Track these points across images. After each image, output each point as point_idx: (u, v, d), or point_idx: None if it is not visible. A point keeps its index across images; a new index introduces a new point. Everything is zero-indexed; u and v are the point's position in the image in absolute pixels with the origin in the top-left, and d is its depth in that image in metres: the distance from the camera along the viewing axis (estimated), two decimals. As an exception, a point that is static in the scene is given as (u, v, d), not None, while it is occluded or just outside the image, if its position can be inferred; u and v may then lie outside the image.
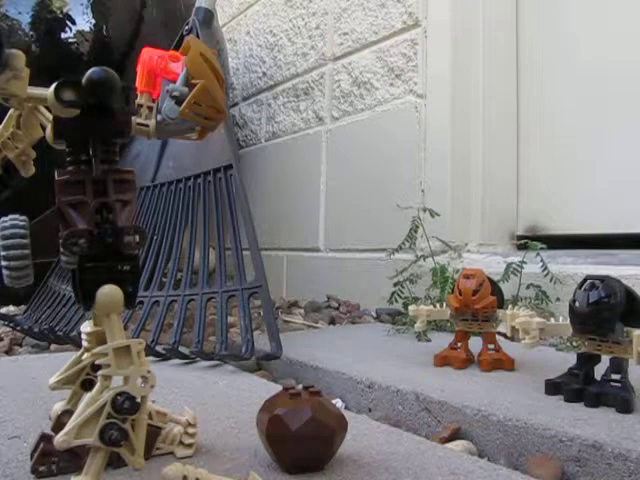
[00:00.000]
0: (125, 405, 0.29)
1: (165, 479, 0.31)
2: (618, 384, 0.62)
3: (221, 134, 1.10)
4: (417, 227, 1.23)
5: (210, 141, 1.12)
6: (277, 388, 0.77)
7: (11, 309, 1.43)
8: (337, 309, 1.48)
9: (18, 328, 1.16)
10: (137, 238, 0.31)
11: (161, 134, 0.33)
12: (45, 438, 0.36)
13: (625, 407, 0.60)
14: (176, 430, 0.46)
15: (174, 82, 0.32)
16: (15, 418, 0.59)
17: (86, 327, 0.33)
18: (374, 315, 1.38)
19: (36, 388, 0.71)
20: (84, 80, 0.29)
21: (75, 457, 0.35)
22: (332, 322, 1.36)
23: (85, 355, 0.32)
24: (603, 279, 0.63)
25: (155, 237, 1.16)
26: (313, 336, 1.18)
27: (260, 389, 0.75)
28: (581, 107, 1.28)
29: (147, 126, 0.32)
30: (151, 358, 0.93)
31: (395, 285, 1.21)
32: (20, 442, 0.52)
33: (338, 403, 0.77)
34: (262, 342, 0.91)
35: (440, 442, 0.60)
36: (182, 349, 0.93)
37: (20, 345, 1.09)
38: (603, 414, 0.60)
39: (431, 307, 0.90)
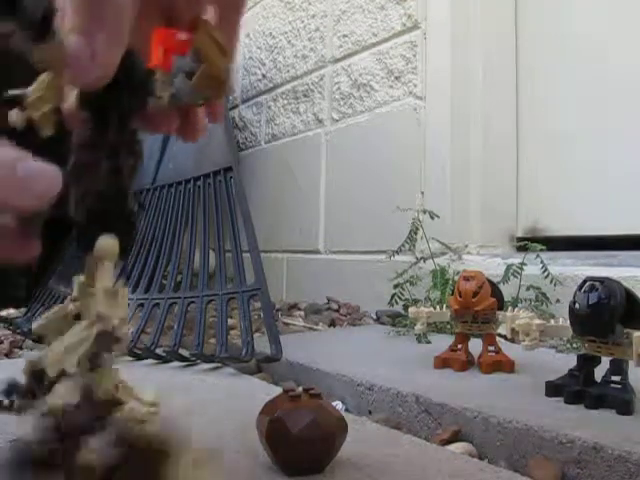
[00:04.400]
0: (107, 342, 0.31)
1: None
2: (618, 386, 0.62)
3: (221, 137, 1.10)
4: (417, 229, 1.23)
5: (210, 144, 1.13)
6: (277, 390, 0.77)
7: (11, 312, 1.43)
8: (337, 311, 1.48)
9: (18, 331, 1.16)
10: (137, 205, 0.35)
11: (173, 104, 0.35)
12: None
13: (625, 409, 0.60)
14: (136, 407, 0.45)
15: (185, 58, 0.35)
16: (15, 420, 0.59)
17: (78, 279, 0.34)
18: (374, 317, 1.38)
19: (36, 391, 0.71)
20: None
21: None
22: (332, 324, 1.36)
23: (72, 305, 0.33)
24: (603, 281, 0.63)
25: (155, 240, 1.16)
26: (313, 338, 1.18)
27: (260, 391, 0.75)
28: (581, 107, 1.28)
29: (161, 97, 0.35)
30: (151, 361, 0.93)
31: (395, 287, 1.21)
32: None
33: (338, 405, 0.77)
34: (262, 344, 0.91)
35: (440, 444, 0.60)
36: (182, 352, 0.93)
37: (20, 348, 1.09)
38: (603, 416, 0.60)
39: (431, 309, 0.90)
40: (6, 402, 0.34)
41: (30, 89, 0.34)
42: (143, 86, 0.34)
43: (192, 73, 0.34)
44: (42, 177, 0.26)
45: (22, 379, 0.32)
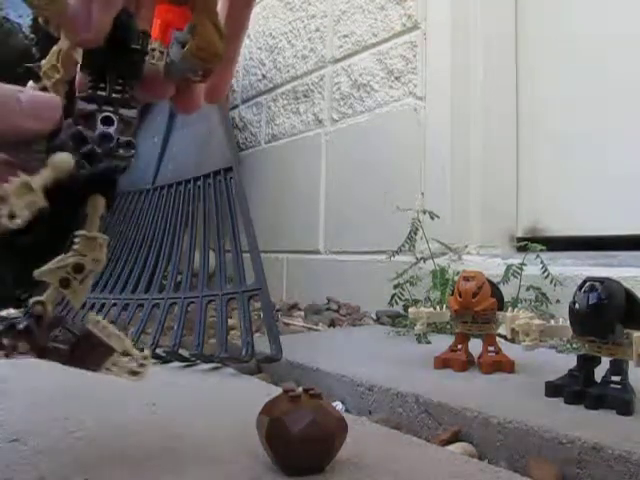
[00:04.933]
0: (79, 268, 0.38)
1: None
2: (618, 386, 0.62)
3: (221, 137, 1.10)
4: (417, 229, 1.23)
5: (210, 144, 1.13)
6: (277, 390, 0.77)
7: (11, 312, 1.43)
8: (337, 311, 1.48)
9: (18, 331, 1.16)
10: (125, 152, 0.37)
11: (168, 74, 0.38)
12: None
13: (625, 409, 0.60)
14: (127, 359, 0.46)
15: (182, 31, 0.38)
16: (15, 421, 0.59)
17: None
18: (374, 317, 1.38)
19: (36, 391, 0.71)
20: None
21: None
22: (332, 324, 1.36)
23: (70, 252, 0.38)
24: (603, 281, 0.63)
25: (155, 240, 1.16)
26: (313, 338, 1.18)
27: (260, 391, 0.75)
28: (581, 108, 1.28)
29: (156, 65, 0.38)
30: (152, 361, 0.93)
31: (395, 287, 1.21)
32: (20, 445, 0.52)
33: (338, 406, 0.77)
34: (262, 344, 0.91)
35: (440, 444, 0.60)
36: (182, 352, 0.93)
37: (20, 348, 1.09)
38: (603, 416, 0.60)
39: (431, 309, 0.90)
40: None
41: (43, 61, 0.38)
42: (138, 46, 0.36)
43: (185, 44, 0.37)
44: (43, 102, 0.31)
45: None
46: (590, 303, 0.62)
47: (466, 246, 1.34)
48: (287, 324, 1.35)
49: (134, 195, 1.29)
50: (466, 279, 0.83)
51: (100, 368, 0.40)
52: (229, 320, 1.02)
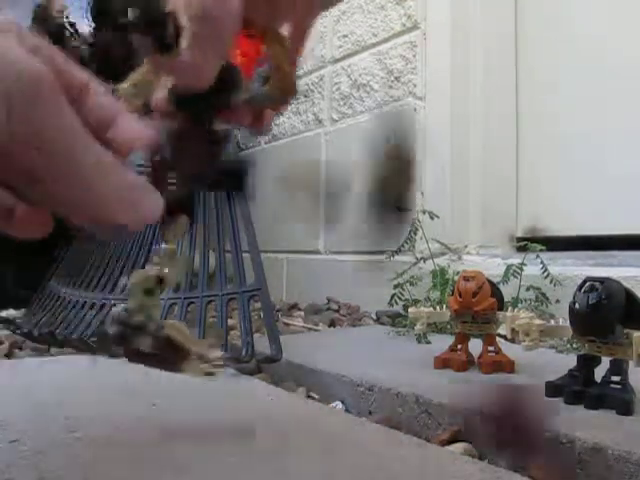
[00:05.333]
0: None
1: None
2: (618, 386, 0.62)
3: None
4: (416, 229, 1.23)
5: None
6: (277, 391, 0.77)
7: (11, 312, 1.43)
8: (337, 311, 1.48)
9: (18, 331, 1.16)
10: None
11: (249, 104, 0.41)
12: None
13: (625, 409, 0.60)
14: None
15: (261, 64, 0.41)
16: (15, 421, 0.59)
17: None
18: (374, 317, 1.38)
19: (36, 391, 0.71)
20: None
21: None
22: (332, 324, 1.36)
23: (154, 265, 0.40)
24: (603, 281, 0.63)
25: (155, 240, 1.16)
26: (313, 338, 1.18)
27: (260, 392, 0.75)
28: (581, 107, 1.28)
29: (241, 98, 0.41)
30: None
31: (395, 287, 1.21)
32: (20, 445, 0.52)
33: (338, 406, 0.77)
34: (262, 345, 0.91)
35: (440, 444, 0.60)
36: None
37: (20, 348, 1.09)
38: (603, 416, 0.59)
39: (431, 309, 0.90)
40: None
41: (124, 84, 0.40)
42: (235, 89, 0.39)
43: (267, 79, 0.41)
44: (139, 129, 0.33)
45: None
46: (590, 303, 0.62)
47: (466, 246, 1.34)
48: (287, 324, 1.35)
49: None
50: (466, 279, 0.83)
51: (179, 369, 0.42)
52: (229, 320, 1.02)
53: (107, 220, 0.30)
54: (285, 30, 0.43)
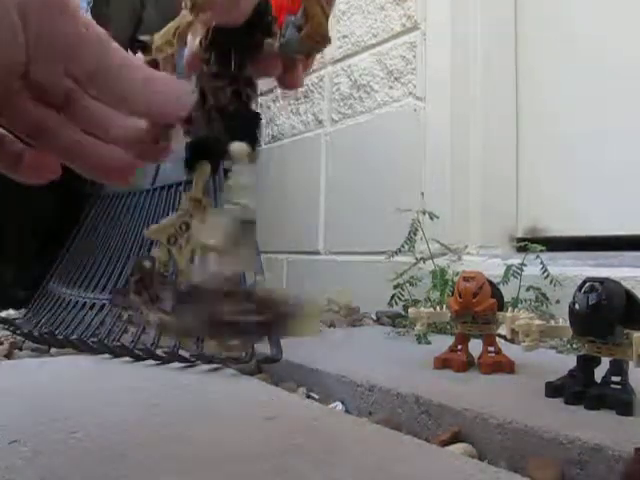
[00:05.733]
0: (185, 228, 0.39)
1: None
2: (618, 386, 0.62)
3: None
4: (416, 230, 1.23)
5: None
6: (277, 391, 0.77)
7: (11, 313, 1.43)
8: (337, 312, 1.48)
9: (18, 332, 1.16)
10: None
11: (281, 52, 0.41)
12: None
13: (625, 409, 0.60)
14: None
15: (295, 15, 0.40)
16: (15, 422, 0.59)
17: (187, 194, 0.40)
18: (374, 318, 1.38)
19: (36, 392, 0.71)
20: None
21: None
22: (332, 325, 1.36)
23: (178, 212, 0.40)
24: (603, 281, 0.63)
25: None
26: (313, 339, 1.18)
27: (260, 392, 0.75)
28: (581, 107, 1.28)
29: (272, 45, 0.40)
30: (152, 361, 0.93)
31: (395, 288, 1.21)
32: (20, 446, 0.52)
33: (338, 406, 0.77)
34: (262, 345, 0.91)
35: (440, 445, 0.60)
36: (182, 352, 0.92)
37: (20, 349, 1.09)
38: (603, 416, 0.59)
39: (431, 310, 0.90)
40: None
41: (157, 35, 0.41)
42: (268, 28, 0.39)
43: (300, 27, 0.40)
44: (178, 88, 0.34)
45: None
46: (590, 303, 0.62)
47: (466, 246, 1.34)
48: (287, 324, 1.34)
49: (134, 195, 1.29)
50: (466, 279, 0.83)
51: (285, 331, 0.39)
52: (229, 321, 1.02)
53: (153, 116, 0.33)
54: None
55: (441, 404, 0.65)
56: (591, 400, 0.62)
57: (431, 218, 1.21)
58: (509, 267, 1.09)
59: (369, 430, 0.60)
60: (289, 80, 0.43)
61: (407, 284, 1.21)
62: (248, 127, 0.40)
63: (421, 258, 1.26)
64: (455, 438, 0.62)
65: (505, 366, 0.81)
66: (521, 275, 1.08)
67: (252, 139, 0.40)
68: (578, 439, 0.53)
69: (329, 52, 1.74)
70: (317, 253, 1.74)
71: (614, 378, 0.63)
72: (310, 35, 0.40)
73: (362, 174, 1.58)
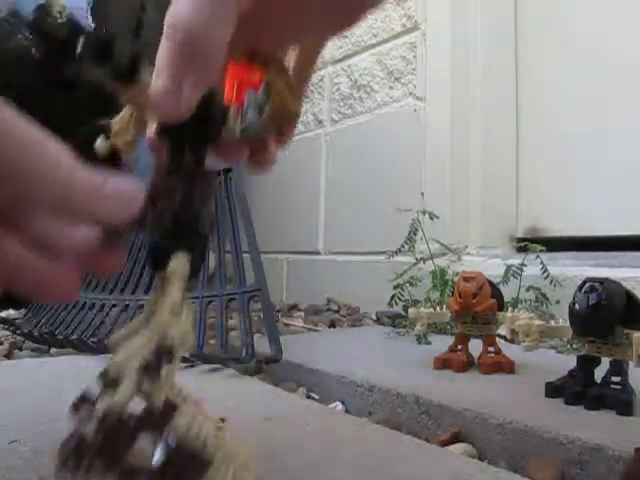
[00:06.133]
0: (164, 355, 0.33)
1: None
2: (618, 386, 0.62)
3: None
4: (416, 230, 1.23)
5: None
6: (277, 391, 0.77)
7: (11, 313, 1.43)
8: (337, 312, 1.48)
9: (18, 332, 1.16)
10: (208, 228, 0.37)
11: (244, 137, 0.37)
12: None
13: (625, 409, 0.60)
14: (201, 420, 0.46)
15: (256, 92, 0.37)
16: (15, 422, 0.59)
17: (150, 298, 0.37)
18: (374, 318, 1.38)
19: (36, 392, 0.71)
20: None
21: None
22: (332, 325, 1.36)
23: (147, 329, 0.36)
24: (603, 281, 0.63)
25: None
26: (313, 339, 1.18)
27: (260, 392, 0.75)
28: (581, 107, 1.28)
29: (233, 130, 0.37)
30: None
31: (395, 288, 1.21)
32: (20, 446, 0.52)
33: (338, 406, 0.77)
34: (262, 345, 0.91)
35: (440, 445, 0.60)
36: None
37: (20, 349, 1.09)
38: (603, 416, 0.60)
39: (431, 310, 0.90)
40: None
41: (114, 120, 0.38)
42: (219, 120, 0.36)
43: (262, 108, 0.36)
44: (128, 191, 0.30)
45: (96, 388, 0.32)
46: (590, 304, 0.62)
47: (466, 246, 1.34)
48: (287, 325, 1.35)
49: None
50: (466, 280, 0.83)
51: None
52: (229, 321, 1.02)
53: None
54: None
55: (441, 404, 0.65)
56: (591, 400, 0.62)
57: (431, 218, 1.21)
58: (509, 267, 1.09)
59: (369, 430, 0.60)
60: (258, 162, 0.39)
61: (407, 284, 1.21)
62: (193, 240, 0.35)
63: (421, 258, 1.26)
64: (455, 438, 0.62)
65: (505, 366, 0.81)
66: (521, 275, 1.08)
67: (196, 255, 0.35)
68: (578, 439, 0.53)
69: (329, 52, 1.74)
70: (317, 253, 1.74)
71: (614, 378, 0.63)
72: (273, 117, 0.36)
73: (362, 174, 1.58)
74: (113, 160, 0.38)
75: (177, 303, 0.32)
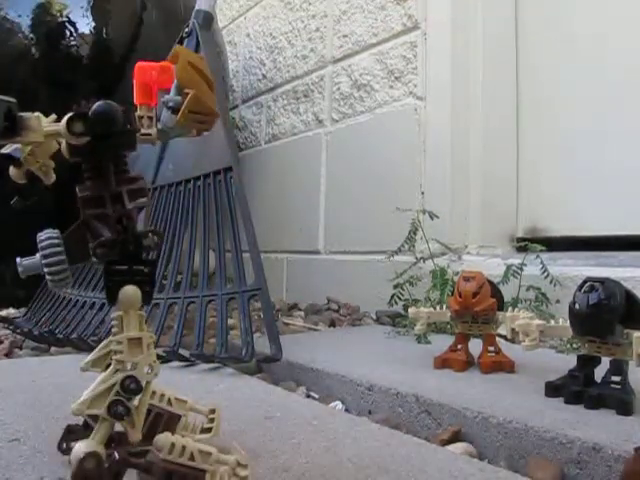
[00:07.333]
0: (131, 387, 0.34)
1: (155, 446, 0.34)
2: (618, 386, 0.62)
3: (221, 137, 1.10)
4: (416, 229, 1.23)
5: (210, 144, 1.13)
6: (277, 391, 0.77)
7: (11, 312, 1.43)
8: (337, 311, 1.48)
9: (18, 331, 1.16)
10: (155, 239, 0.37)
11: (163, 139, 0.37)
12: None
13: (625, 409, 0.60)
14: (198, 421, 0.47)
15: (168, 92, 0.36)
16: (15, 421, 0.59)
17: (113, 314, 0.37)
18: (374, 317, 1.38)
19: (36, 390, 0.71)
20: (90, 113, 0.34)
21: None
22: (332, 324, 1.36)
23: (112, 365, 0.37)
24: (603, 281, 0.63)
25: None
26: (313, 338, 1.18)
27: (260, 392, 0.75)
28: (581, 107, 1.28)
29: (150, 135, 0.36)
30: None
31: (395, 287, 1.21)
32: (20, 445, 0.52)
33: (338, 406, 0.77)
34: (262, 345, 0.91)
35: (440, 444, 0.60)
36: (182, 352, 0.93)
37: (20, 348, 1.09)
38: (603, 416, 0.60)
39: (431, 309, 0.90)
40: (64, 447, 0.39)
41: (18, 147, 0.38)
42: (128, 132, 0.35)
43: (176, 108, 0.35)
44: None
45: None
46: (590, 303, 0.62)
47: (466, 246, 1.34)
48: (287, 324, 1.35)
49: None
50: (466, 279, 0.83)
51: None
52: (229, 320, 1.02)
53: None
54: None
55: (441, 403, 0.65)
56: (591, 400, 0.62)
57: (431, 218, 1.21)
58: (509, 267, 1.09)
59: (369, 429, 0.60)
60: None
61: (407, 284, 1.21)
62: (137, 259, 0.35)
63: (421, 258, 1.26)
64: (455, 437, 0.62)
65: (505, 366, 0.81)
66: (521, 275, 1.08)
67: (145, 279, 0.36)
68: (578, 439, 0.53)
69: (329, 52, 1.74)
70: (317, 253, 1.74)
71: (614, 378, 0.63)
72: (186, 116, 0.35)
73: (362, 174, 1.58)
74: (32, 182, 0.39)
75: (136, 336, 0.35)
